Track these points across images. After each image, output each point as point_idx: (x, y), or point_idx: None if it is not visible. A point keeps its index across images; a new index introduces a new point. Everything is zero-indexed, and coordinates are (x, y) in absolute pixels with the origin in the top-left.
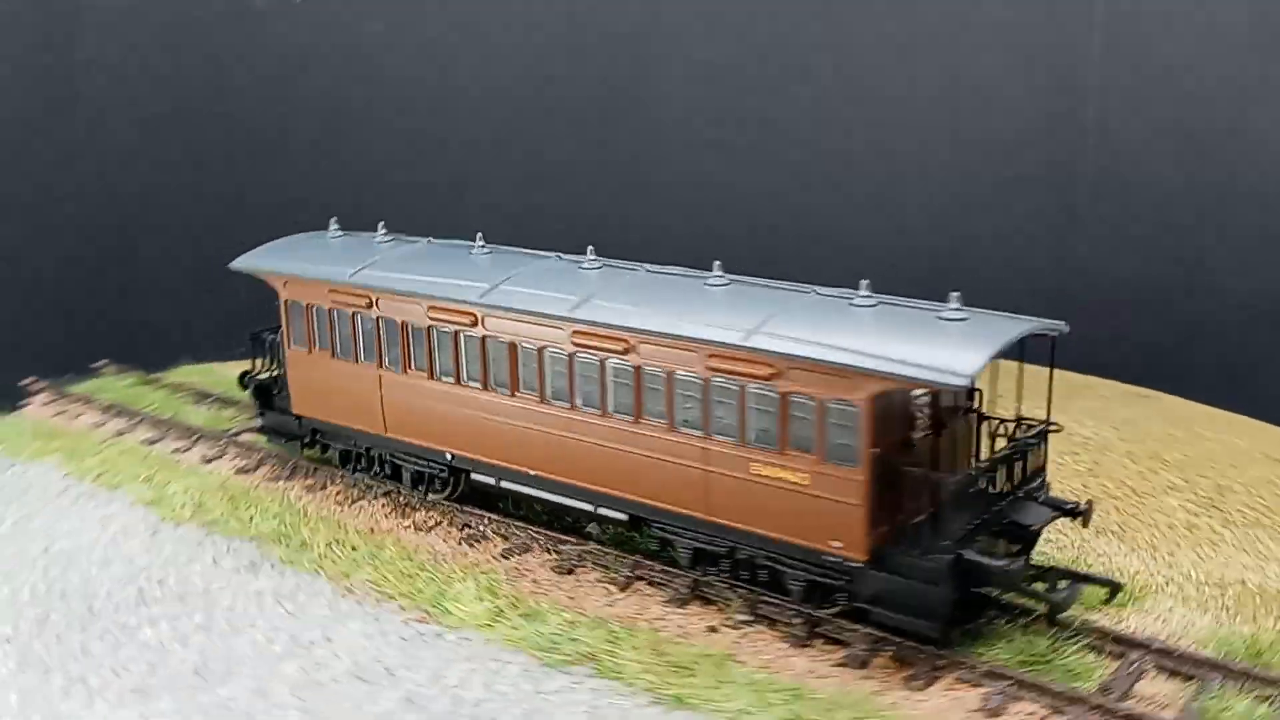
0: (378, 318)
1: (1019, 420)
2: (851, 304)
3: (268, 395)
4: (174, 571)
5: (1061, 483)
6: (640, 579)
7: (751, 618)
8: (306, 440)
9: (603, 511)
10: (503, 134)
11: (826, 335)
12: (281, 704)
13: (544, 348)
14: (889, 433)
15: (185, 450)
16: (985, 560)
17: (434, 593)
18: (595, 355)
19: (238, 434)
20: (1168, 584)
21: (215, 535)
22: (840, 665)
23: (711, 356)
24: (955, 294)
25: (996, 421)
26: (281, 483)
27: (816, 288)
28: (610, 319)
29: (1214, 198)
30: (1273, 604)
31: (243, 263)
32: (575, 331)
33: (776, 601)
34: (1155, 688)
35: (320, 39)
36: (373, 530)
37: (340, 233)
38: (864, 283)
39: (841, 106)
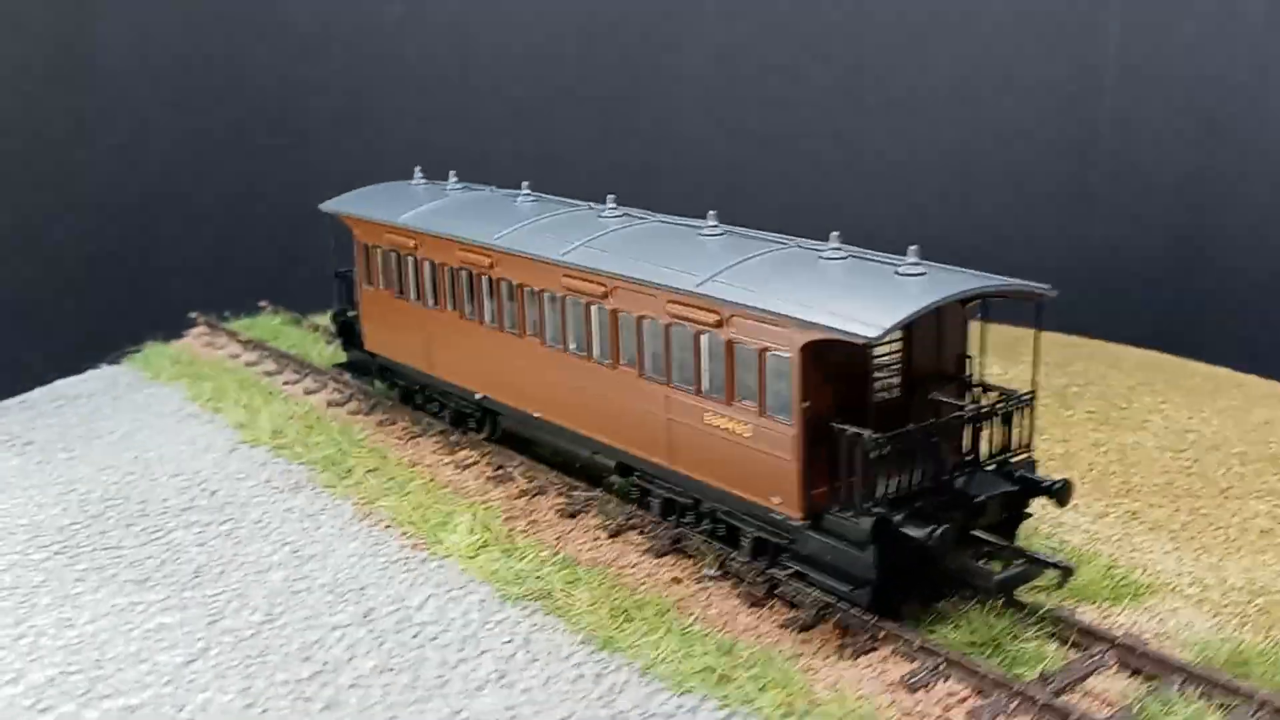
0: (422, 259)
1: (1002, 391)
2: (820, 257)
3: (350, 333)
4: (227, 485)
5: (1150, 479)
6: (632, 528)
7: (719, 573)
8: (378, 377)
9: (597, 458)
10: (520, 115)
11: (776, 284)
12: (253, 606)
13: (542, 290)
14: (832, 388)
15: (294, 383)
16: (909, 527)
17: (436, 523)
18: (581, 299)
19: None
20: (1190, 585)
21: (279, 458)
22: (783, 627)
23: (670, 302)
24: (913, 248)
25: (982, 390)
26: (361, 416)
27: (803, 241)
28: (593, 263)
29: (1230, 179)
30: None
31: (329, 205)
32: (565, 274)
33: (740, 559)
34: (1108, 684)
35: (340, 17)
36: (414, 464)
37: (423, 180)
38: (834, 234)
39: (858, 89)
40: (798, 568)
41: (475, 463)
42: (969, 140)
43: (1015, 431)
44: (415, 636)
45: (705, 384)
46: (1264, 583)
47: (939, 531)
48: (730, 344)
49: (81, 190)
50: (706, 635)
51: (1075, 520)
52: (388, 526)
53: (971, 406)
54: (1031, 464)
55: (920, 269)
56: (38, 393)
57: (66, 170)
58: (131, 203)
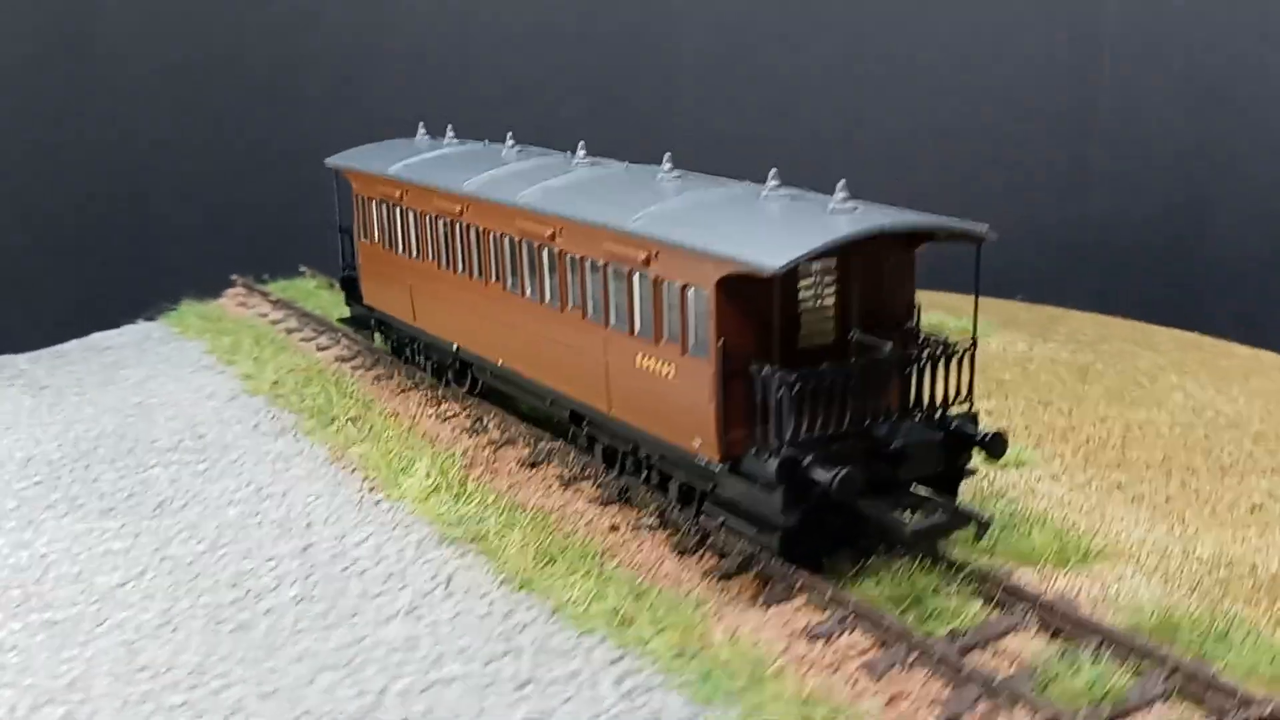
0: (406, 209)
1: (944, 341)
2: (761, 195)
3: (353, 288)
4: (216, 429)
5: (1149, 454)
6: (587, 478)
7: (658, 523)
8: (377, 331)
9: (553, 407)
10: (517, 84)
11: (704, 220)
12: (200, 537)
13: (502, 235)
14: (755, 327)
15: (309, 340)
16: (816, 470)
17: (399, 469)
18: (534, 242)
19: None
20: (1151, 554)
21: (274, 406)
22: (706, 575)
23: (606, 241)
24: (841, 182)
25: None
26: (362, 371)
27: (758, 184)
28: (543, 205)
29: (1228, 148)
30: (1265, 591)
31: (332, 160)
32: (519, 217)
33: (670, 506)
34: (1023, 644)
35: None
36: (395, 414)
37: (425, 137)
38: (772, 171)
39: (856, 59)
40: (715, 511)
41: (456, 415)
42: (968, 111)
43: (953, 383)
44: (344, 570)
45: (637, 325)
46: (1234, 556)
47: (841, 475)
48: (657, 281)
49: (78, 157)
50: (624, 580)
51: (1050, 489)
52: (354, 471)
53: (889, 351)
54: (972, 417)
55: (851, 205)
56: (73, 344)
57: (60, 139)
58: (129, 171)
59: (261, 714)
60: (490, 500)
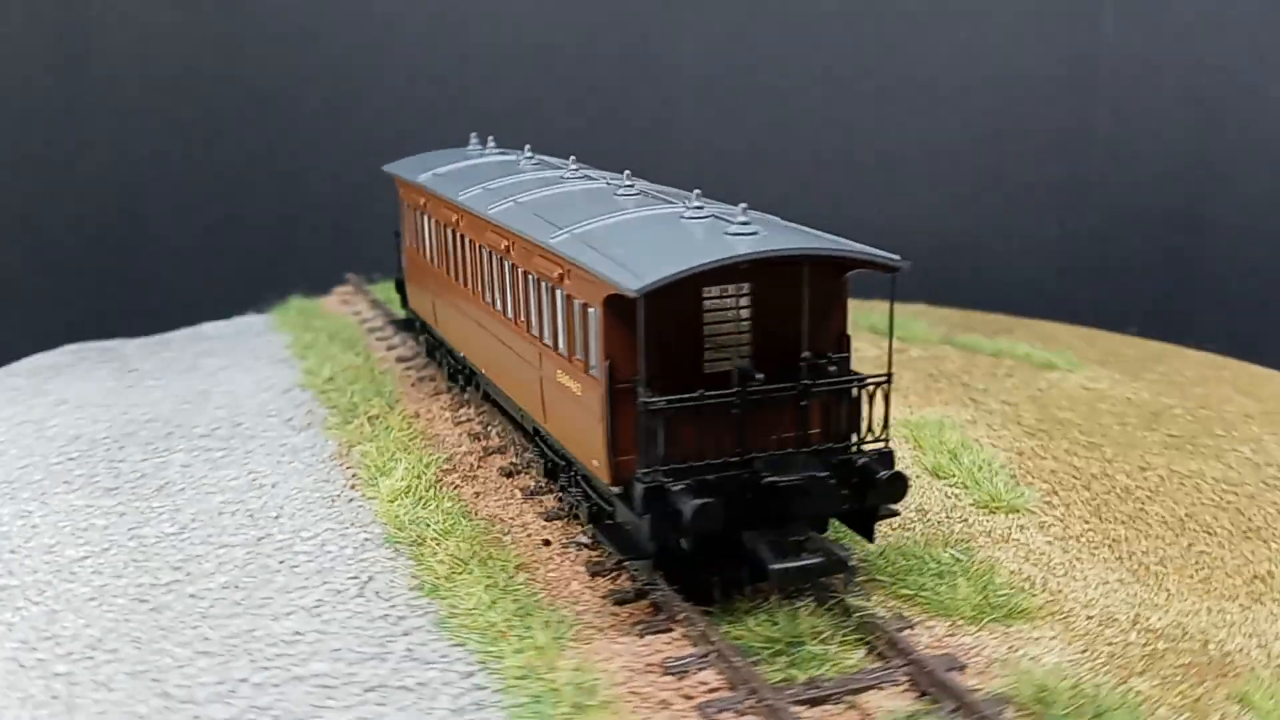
0: (429, 216)
1: (850, 373)
2: (682, 216)
3: (404, 291)
4: (253, 419)
5: (1171, 509)
6: (549, 491)
7: (590, 540)
8: (421, 333)
9: (523, 418)
10: (515, 102)
11: (615, 239)
12: (176, 521)
13: (481, 245)
14: (657, 350)
15: (385, 339)
16: (682, 500)
17: (383, 469)
18: (497, 254)
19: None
20: (1091, 618)
21: (315, 401)
22: (604, 598)
23: (536, 256)
24: (741, 205)
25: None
26: (413, 371)
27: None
28: (504, 218)
29: (1225, 164)
30: (1198, 670)
31: (387, 167)
32: (490, 229)
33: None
34: (882, 701)
35: (333, 3)
36: (417, 416)
37: (476, 146)
38: (695, 192)
39: (854, 76)
40: (597, 534)
41: (470, 420)
42: (964, 129)
43: (863, 417)
44: (280, 563)
45: (559, 340)
46: (1191, 628)
47: (697, 506)
48: (568, 299)
49: (74, 174)
50: (522, 596)
51: (1029, 538)
52: (348, 468)
53: (758, 381)
54: (883, 456)
55: (752, 228)
56: (181, 332)
57: (60, 152)
58: (128, 187)
59: (122, 690)
60: (446, 506)
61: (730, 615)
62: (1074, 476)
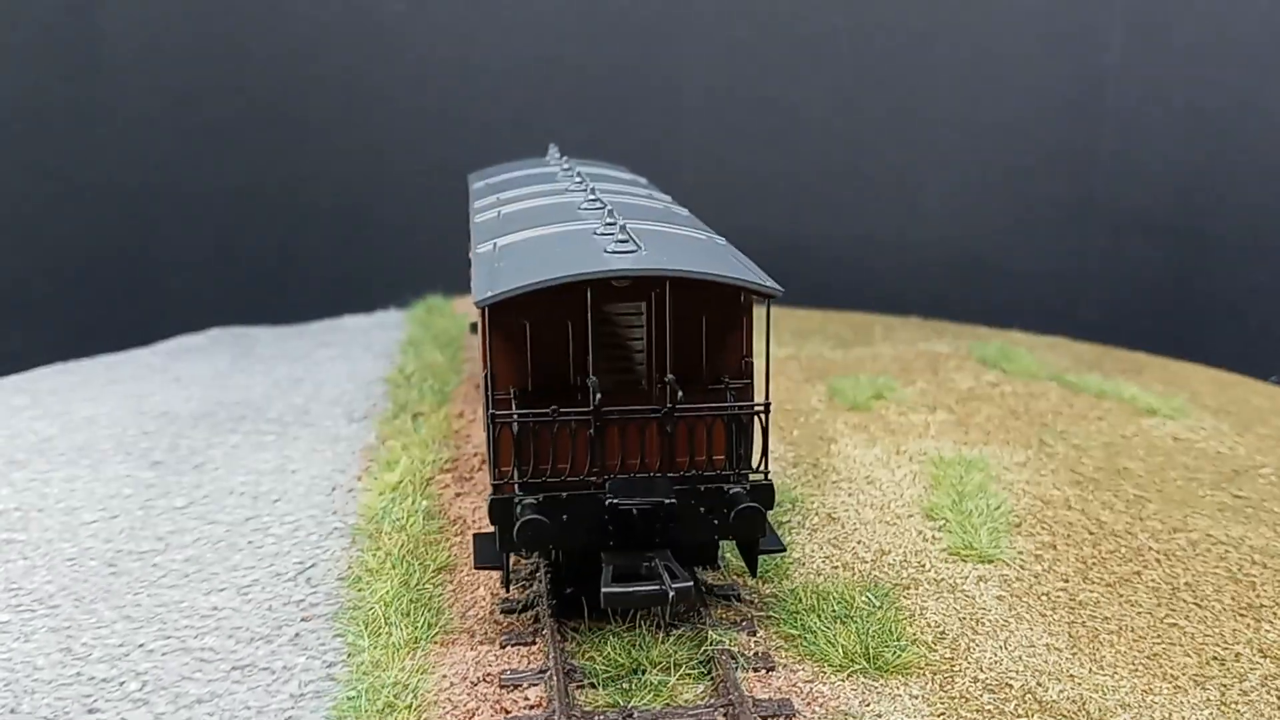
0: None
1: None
2: (595, 232)
3: None
4: (320, 409)
5: (1174, 577)
6: None
7: None
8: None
9: None
10: (521, 116)
11: (512, 251)
12: (190, 497)
13: (469, 254)
14: (539, 363)
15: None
16: (526, 515)
17: (393, 462)
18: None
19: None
20: (974, 684)
21: (385, 396)
22: (496, 606)
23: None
24: (622, 223)
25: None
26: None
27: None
28: (473, 228)
29: (1232, 183)
30: None
31: (471, 177)
32: (471, 238)
33: None
34: None
35: (341, 16)
36: (461, 415)
37: (555, 156)
38: (607, 209)
39: (859, 91)
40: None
41: None
42: (970, 144)
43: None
44: (249, 542)
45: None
46: (1092, 708)
47: (522, 523)
48: (480, 308)
49: (84, 179)
50: (428, 591)
51: (974, 590)
52: (371, 460)
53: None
54: (761, 488)
55: (631, 246)
56: (321, 323)
57: (70, 158)
58: (134, 193)
59: (35, 643)
60: (419, 504)
61: (595, 635)
62: (1090, 531)
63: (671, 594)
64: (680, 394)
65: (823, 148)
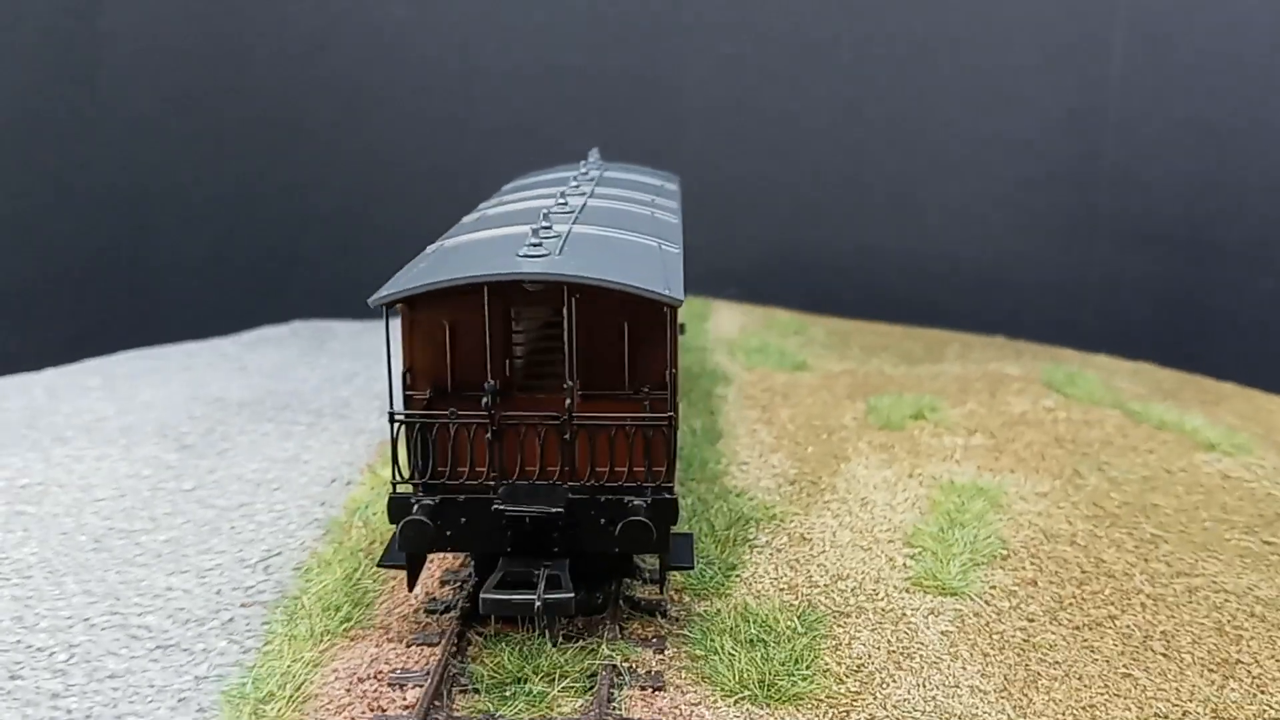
0: None
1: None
2: (528, 232)
3: None
4: (360, 402)
5: (1147, 624)
6: None
7: None
8: None
9: None
10: (523, 122)
11: (449, 251)
12: (199, 481)
13: None
14: (457, 362)
15: None
16: (416, 514)
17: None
18: None
19: None
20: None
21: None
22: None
23: None
24: (529, 228)
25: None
26: None
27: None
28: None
29: (1236, 195)
30: None
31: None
32: None
33: None
34: None
35: (342, 20)
36: None
37: (595, 160)
38: (541, 215)
39: (862, 102)
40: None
41: None
42: (972, 155)
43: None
44: (232, 527)
45: None
46: None
47: (403, 523)
48: None
49: (82, 183)
50: (366, 587)
51: (921, 623)
52: (381, 454)
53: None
54: (662, 503)
55: (543, 250)
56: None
57: (68, 161)
58: (131, 198)
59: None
60: None
61: (497, 640)
62: (1083, 569)
63: (538, 604)
64: (573, 401)
65: (822, 156)
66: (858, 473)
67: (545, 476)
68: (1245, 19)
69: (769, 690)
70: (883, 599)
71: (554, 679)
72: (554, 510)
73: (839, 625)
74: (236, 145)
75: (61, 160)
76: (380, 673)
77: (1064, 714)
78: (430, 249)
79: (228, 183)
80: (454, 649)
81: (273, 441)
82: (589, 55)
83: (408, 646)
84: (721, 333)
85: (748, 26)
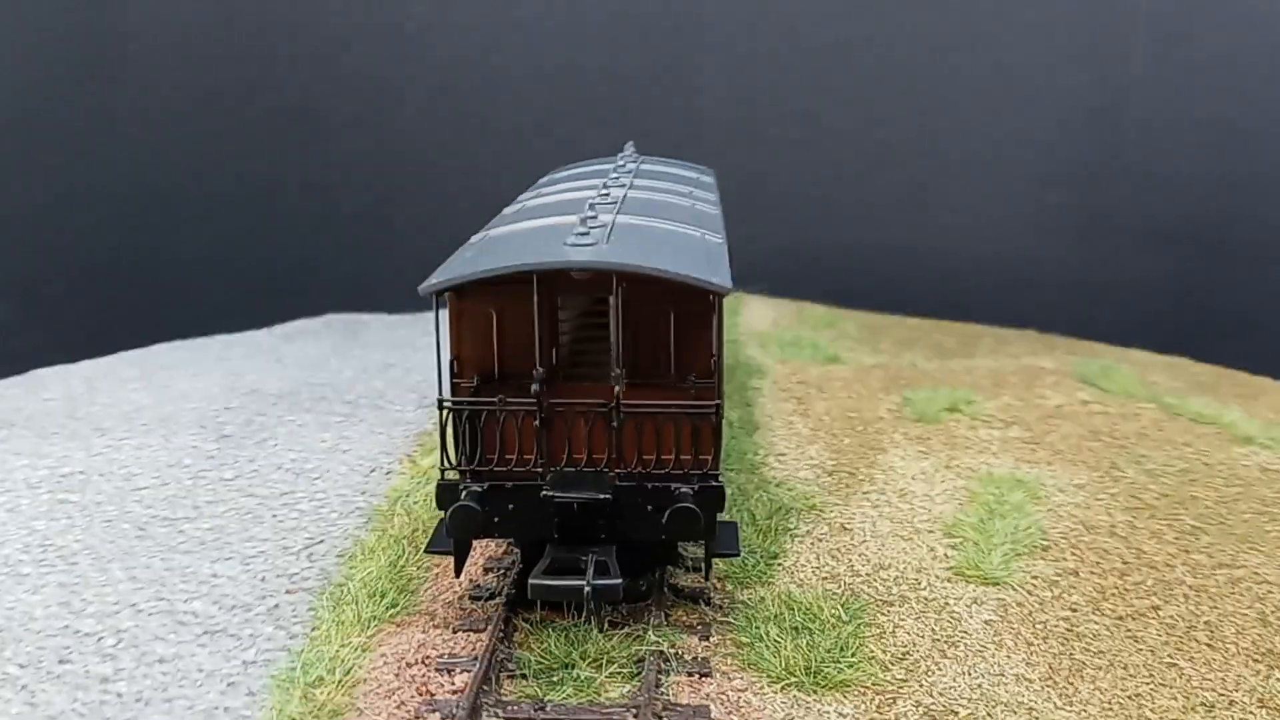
0: None
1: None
2: (571, 227)
3: None
4: (396, 393)
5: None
6: None
7: None
8: None
9: None
10: (545, 119)
11: (492, 240)
12: (238, 470)
13: None
14: (507, 353)
15: None
16: (465, 500)
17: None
18: None
19: None
20: (923, 705)
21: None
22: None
23: None
24: (575, 217)
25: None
26: None
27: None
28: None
29: (1258, 192)
30: None
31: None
32: None
33: None
34: None
35: (365, 17)
36: None
37: (631, 154)
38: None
39: (881, 100)
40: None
41: None
42: (991, 152)
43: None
44: (274, 515)
45: None
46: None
47: (452, 509)
48: None
49: (116, 180)
50: (408, 575)
51: (964, 613)
52: (421, 444)
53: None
54: (709, 490)
55: (590, 240)
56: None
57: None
58: (163, 195)
59: (42, 596)
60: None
61: (543, 626)
62: (1124, 560)
63: (587, 590)
64: (620, 389)
65: (843, 155)
66: (895, 464)
67: (592, 464)
68: (1265, 19)
69: (815, 677)
70: (925, 588)
71: (601, 665)
72: (602, 496)
73: (882, 614)
74: (266, 143)
75: (95, 157)
76: (428, 658)
77: (1110, 703)
78: (475, 239)
79: (259, 180)
80: (501, 634)
81: (311, 432)
82: (610, 54)
83: (454, 632)
84: (754, 326)
85: (769, 25)
